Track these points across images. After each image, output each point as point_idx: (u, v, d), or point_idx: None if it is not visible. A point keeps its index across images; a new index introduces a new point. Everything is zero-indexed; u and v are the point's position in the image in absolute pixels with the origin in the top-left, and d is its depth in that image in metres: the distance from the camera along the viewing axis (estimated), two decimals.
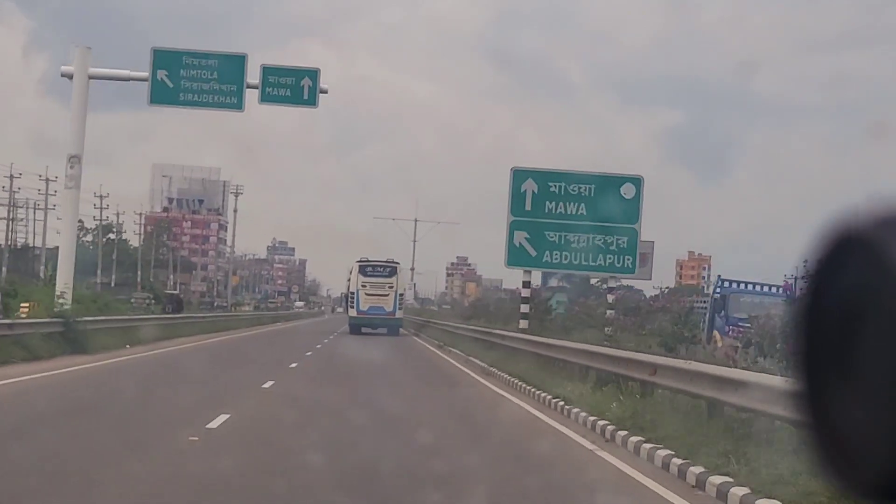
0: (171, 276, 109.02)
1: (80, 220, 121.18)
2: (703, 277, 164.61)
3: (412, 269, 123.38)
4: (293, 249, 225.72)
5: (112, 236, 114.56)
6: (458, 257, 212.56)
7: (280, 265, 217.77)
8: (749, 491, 10.34)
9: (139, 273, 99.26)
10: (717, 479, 11.09)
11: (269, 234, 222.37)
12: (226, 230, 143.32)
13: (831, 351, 1.45)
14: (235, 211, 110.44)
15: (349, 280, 63.91)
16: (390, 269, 62.47)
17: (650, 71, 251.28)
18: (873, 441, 1.37)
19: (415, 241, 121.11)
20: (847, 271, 1.43)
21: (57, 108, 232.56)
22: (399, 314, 62.52)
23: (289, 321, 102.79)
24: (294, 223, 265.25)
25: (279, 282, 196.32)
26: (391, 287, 61.14)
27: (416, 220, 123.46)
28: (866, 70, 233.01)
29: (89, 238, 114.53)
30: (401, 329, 63.95)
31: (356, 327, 59.86)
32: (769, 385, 11.74)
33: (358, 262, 62.83)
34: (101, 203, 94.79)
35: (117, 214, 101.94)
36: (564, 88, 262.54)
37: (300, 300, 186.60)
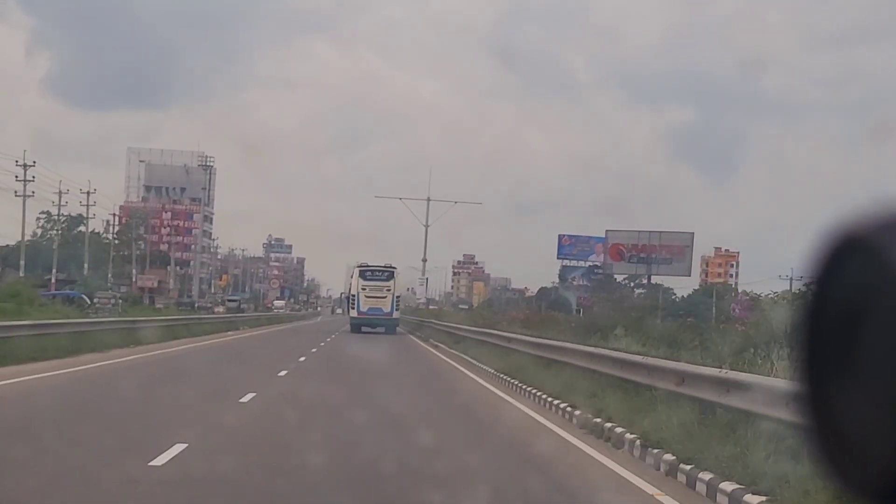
0: (134, 272, 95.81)
1: (45, 212, 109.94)
2: (731, 275, 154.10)
3: (424, 259, 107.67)
4: (290, 247, 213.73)
5: (82, 228, 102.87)
6: (464, 255, 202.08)
7: (276, 263, 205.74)
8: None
9: (86, 268, 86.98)
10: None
11: (268, 234, 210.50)
12: (211, 222, 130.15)
13: (834, 352, 1.46)
14: (205, 189, 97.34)
15: (350, 283, 69.43)
16: (388, 274, 66.90)
17: (658, 67, 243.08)
18: (876, 442, 1.38)
19: (427, 225, 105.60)
20: (849, 273, 1.44)
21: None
22: (396, 314, 66.71)
23: (255, 327, 71.58)
24: (294, 222, 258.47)
25: (273, 281, 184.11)
26: (389, 290, 65.77)
27: (428, 199, 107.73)
28: (879, 66, 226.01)
29: (55, 230, 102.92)
30: (398, 328, 67.55)
31: (357, 326, 64.34)
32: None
33: (358, 266, 68.19)
34: (25, 174, 78.98)
35: (58, 193, 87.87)
36: (570, 85, 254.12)
37: (280, 298, 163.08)
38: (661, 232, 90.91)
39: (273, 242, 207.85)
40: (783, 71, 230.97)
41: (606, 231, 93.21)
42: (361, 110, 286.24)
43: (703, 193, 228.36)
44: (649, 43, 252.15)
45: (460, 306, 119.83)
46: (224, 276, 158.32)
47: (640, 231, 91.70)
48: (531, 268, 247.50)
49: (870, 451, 1.37)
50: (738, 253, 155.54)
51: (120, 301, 76.32)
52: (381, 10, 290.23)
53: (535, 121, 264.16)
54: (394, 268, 68.19)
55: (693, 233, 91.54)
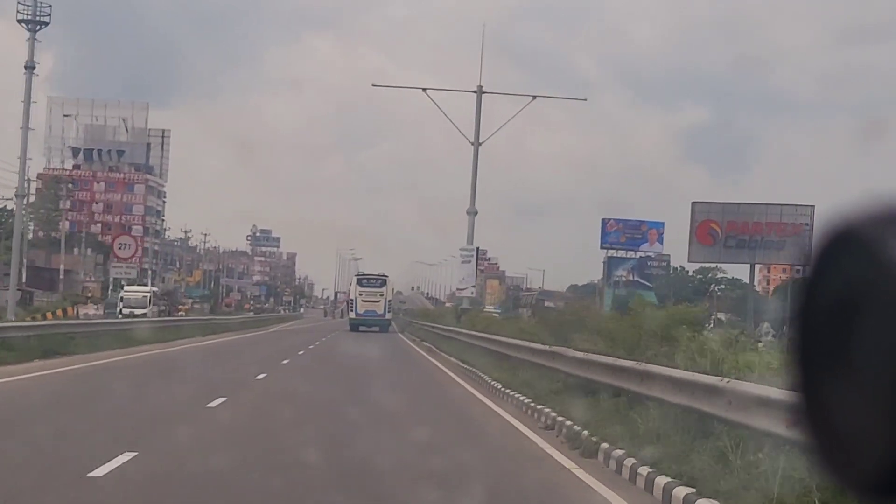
0: (12, 261, 69.23)
1: None
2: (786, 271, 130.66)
3: (471, 212, 67.83)
4: (278, 240, 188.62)
5: None
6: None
7: (261, 258, 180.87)
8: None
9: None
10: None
11: (252, 224, 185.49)
12: (160, 196, 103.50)
13: (827, 347, 1.47)
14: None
15: (349, 290, 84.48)
16: (381, 281, 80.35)
17: (665, 66, 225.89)
18: (871, 435, 1.38)
19: (477, 143, 65.73)
20: (842, 268, 1.45)
21: None
22: (388, 316, 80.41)
23: None
24: (289, 219, 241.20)
25: (255, 277, 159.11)
26: (382, 295, 79.01)
27: (479, 90, 65.22)
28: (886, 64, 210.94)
29: None
30: (390, 327, 79.45)
31: (355, 326, 76.56)
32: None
33: (356, 275, 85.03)
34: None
35: None
36: (577, 84, 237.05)
37: (136, 285, 73.85)
38: (768, 204, 65.91)
39: (258, 234, 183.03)
40: (790, 68, 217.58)
41: (693, 204, 67.45)
42: (363, 109, 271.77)
43: (708, 192, 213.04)
44: (655, 42, 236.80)
45: (523, 309, 78.50)
46: (196, 272, 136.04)
47: (739, 204, 66.64)
48: (551, 264, 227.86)
49: (864, 444, 1.35)
50: None
51: None
52: (383, 8, 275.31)
53: (539, 119, 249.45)
54: (386, 276, 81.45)
55: (813, 205, 65.44)
